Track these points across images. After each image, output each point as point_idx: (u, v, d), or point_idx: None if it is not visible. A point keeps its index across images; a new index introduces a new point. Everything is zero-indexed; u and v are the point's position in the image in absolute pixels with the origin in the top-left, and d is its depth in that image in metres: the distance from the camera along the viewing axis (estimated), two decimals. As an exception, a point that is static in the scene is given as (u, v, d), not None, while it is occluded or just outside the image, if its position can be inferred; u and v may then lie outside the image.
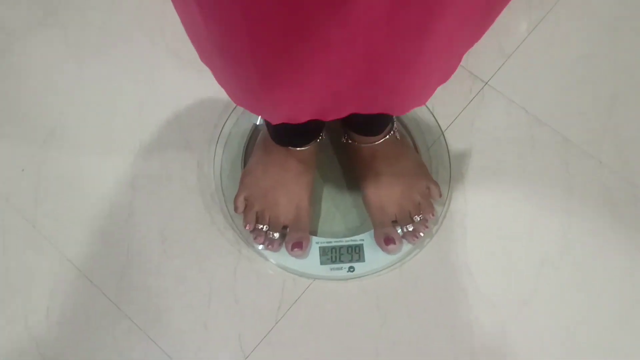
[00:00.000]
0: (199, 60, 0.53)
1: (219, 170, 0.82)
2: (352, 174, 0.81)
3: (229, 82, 0.51)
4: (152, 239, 0.79)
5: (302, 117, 0.53)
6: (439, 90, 0.87)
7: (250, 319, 0.75)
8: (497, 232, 0.79)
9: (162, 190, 0.82)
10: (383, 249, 0.75)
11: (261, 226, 0.75)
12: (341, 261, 0.76)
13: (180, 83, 0.88)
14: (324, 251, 0.76)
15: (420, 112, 0.85)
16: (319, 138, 0.76)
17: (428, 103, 0.86)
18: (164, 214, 0.80)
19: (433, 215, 0.76)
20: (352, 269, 0.76)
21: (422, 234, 0.76)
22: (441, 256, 0.78)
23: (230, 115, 0.85)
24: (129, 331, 0.75)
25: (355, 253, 0.76)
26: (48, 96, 0.87)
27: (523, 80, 0.89)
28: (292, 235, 0.75)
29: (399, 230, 0.76)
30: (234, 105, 0.85)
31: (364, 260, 0.76)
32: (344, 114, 0.54)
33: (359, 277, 0.77)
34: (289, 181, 0.74)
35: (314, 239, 0.77)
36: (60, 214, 0.80)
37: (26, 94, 0.87)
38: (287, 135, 0.73)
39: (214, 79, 0.55)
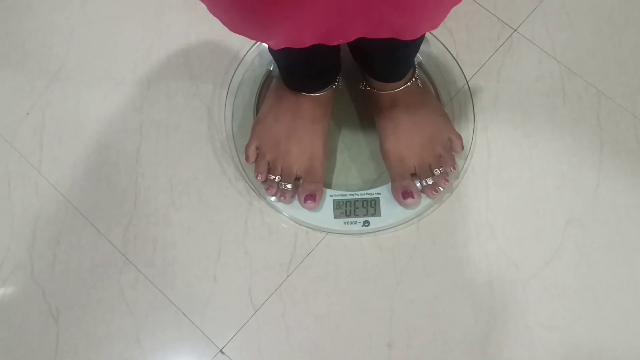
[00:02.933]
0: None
1: (230, 119, 0.78)
2: (369, 123, 0.77)
3: (224, 4, 0.47)
4: (160, 189, 0.76)
5: (306, 40, 0.49)
6: (464, 37, 0.82)
7: (261, 272, 0.73)
8: (521, 188, 0.75)
9: (170, 138, 0.78)
10: (400, 203, 0.72)
11: (273, 177, 0.72)
12: (356, 215, 0.73)
13: (190, 26, 0.83)
14: (338, 204, 0.73)
15: (443, 59, 0.80)
16: (334, 84, 0.71)
17: (452, 49, 0.81)
18: (172, 162, 0.77)
19: (454, 168, 0.72)
20: (367, 224, 0.72)
21: (442, 189, 0.72)
22: (461, 212, 0.74)
23: (241, 60, 0.80)
24: (136, 281, 0.73)
25: (370, 207, 0.73)
26: (52, 37, 0.83)
27: (555, 28, 0.83)
28: (305, 186, 0.71)
29: (418, 184, 0.72)
30: (246, 50, 0.81)
31: (379, 215, 0.73)
32: (350, 37, 0.49)
33: (374, 232, 0.73)
34: (302, 129, 0.71)
35: (328, 191, 0.74)
36: (66, 159, 0.78)
37: (29, 35, 0.83)
38: (300, 79, 0.69)
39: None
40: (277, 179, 0.72)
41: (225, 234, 0.74)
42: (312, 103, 0.70)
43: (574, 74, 0.80)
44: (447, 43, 0.81)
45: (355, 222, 0.72)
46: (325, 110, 0.72)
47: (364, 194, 0.73)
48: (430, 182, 0.71)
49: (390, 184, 0.73)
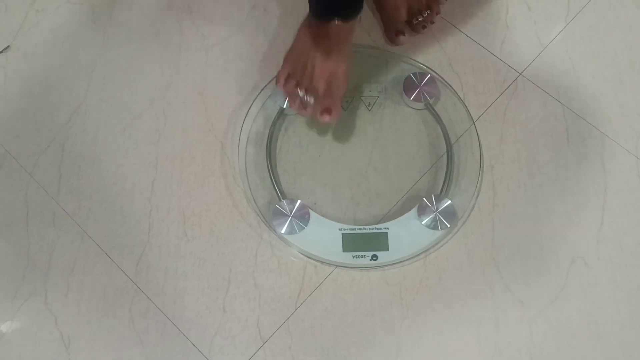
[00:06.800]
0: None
1: (244, 154, 0.81)
2: (378, 160, 0.79)
3: None
4: (173, 220, 0.78)
5: None
6: (471, 79, 0.85)
7: (270, 304, 0.74)
8: (526, 227, 0.77)
9: (185, 171, 0.81)
10: (393, 42, 0.86)
11: (298, 90, 0.77)
12: (364, 249, 0.74)
13: (207, 64, 0.87)
14: (347, 238, 0.75)
15: (451, 101, 0.82)
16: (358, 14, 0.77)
17: (459, 91, 0.83)
18: (185, 195, 0.79)
19: (439, 13, 0.85)
20: (375, 258, 0.74)
21: (432, 22, 0.85)
22: (468, 249, 0.76)
23: (255, 99, 0.83)
24: (147, 310, 0.74)
25: (379, 241, 0.74)
26: (74, 72, 0.87)
27: (559, 72, 0.86)
28: (323, 101, 0.76)
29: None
30: (261, 88, 0.84)
31: (387, 249, 0.74)
32: None
33: (382, 266, 0.75)
34: (326, 52, 0.76)
35: (337, 225, 0.75)
36: (83, 191, 0.80)
37: (52, 70, 0.87)
38: (327, 5, 0.75)
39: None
40: (301, 94, 0.77)
41: (235, 265, 0.76)
42: (336, 29, 0.75)
43: (578, 117, 0.82)
44: (454, 85, 0.84)
45: (364, 256, 0.74)
46: (348, 36, 0.77)
47: (373, 229, 0.75)
48: (420, 19, 0.84)
49: (397, 219, 0.75)
